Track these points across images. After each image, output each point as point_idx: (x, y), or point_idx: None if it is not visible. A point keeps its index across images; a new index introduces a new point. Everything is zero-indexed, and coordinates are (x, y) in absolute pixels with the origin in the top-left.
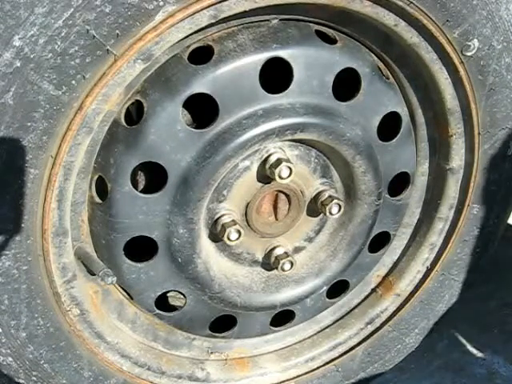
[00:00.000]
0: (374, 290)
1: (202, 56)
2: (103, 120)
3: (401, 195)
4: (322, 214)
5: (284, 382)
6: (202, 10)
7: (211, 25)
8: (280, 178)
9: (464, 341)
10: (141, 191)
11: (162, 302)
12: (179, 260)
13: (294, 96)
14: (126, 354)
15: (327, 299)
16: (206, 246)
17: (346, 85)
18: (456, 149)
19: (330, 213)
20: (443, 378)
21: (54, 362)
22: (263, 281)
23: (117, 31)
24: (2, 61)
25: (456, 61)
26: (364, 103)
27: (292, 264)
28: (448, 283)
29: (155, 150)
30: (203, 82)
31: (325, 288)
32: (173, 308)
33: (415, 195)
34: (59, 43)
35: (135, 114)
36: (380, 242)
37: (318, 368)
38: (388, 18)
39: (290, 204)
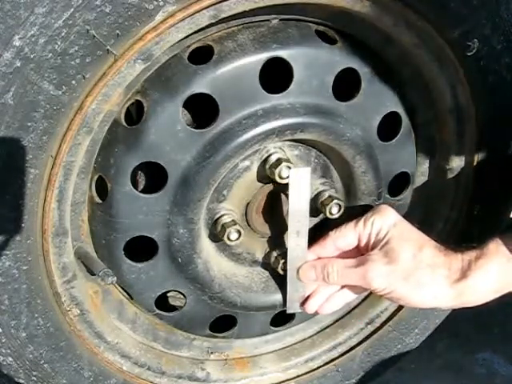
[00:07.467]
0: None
1: (202, 56)
2: (103, 120)
3: (401, 195)
4: (322, 214)
5: (284, 381)
6: (201, 10)
7: (211, 25)
8: (280, 178)
9: (464, 341)
10: (141, 191)
11: (162, 302)
12: (179, 260)
13: (294, 96)
14: (126, 354)
15: None
16: (206, 246)
17: (346, 85)
18: (456, 149)
19: (330, 213)
20: (443, 378)
21: (54, 361)
22: (263, 281)
23: (117, 31)
24: (2, 61)
25: (456, 61)
26: (364, 103)
27: None
28: None
29: (155, 150)
30: (203, 82)
31: None
32: (173, 308)
33: (415, 195)
34: (59, 43)
35: (135, 114)
36: None
37: (318, 368)
38: (388, 18)
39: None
